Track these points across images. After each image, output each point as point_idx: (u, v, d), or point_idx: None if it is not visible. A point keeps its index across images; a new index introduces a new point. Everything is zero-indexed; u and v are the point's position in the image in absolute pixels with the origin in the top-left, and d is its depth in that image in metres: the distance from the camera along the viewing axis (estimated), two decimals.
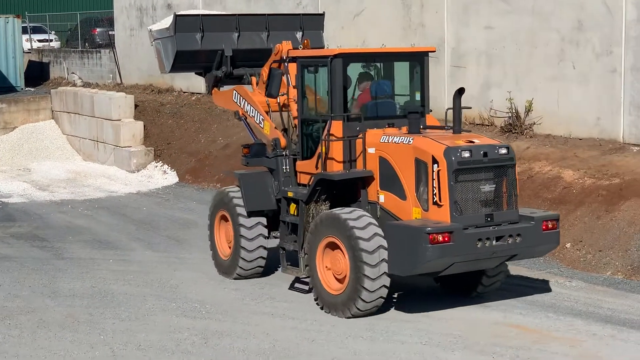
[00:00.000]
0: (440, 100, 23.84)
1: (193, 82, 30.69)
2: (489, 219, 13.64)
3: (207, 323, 14.34)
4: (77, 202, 24.41)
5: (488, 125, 22.96)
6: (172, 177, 27.21)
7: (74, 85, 36.13)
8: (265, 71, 17.24)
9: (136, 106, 29.28)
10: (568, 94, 21.72)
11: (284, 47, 16.82)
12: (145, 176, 27.55)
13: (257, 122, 17.10)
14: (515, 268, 17.06)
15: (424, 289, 15.45)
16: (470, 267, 14.06)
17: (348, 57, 14.95)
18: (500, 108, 22.79)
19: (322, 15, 19.92)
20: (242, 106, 17.52)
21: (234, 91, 17.88)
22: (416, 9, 25.31)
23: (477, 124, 23.19)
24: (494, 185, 13.80)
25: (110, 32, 40.13)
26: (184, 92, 33.13)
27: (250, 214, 15.96)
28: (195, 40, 18.15)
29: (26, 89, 36.52)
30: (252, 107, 17.21)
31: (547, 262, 17.45)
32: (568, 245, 17.73)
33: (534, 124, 22.20)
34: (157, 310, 15.09)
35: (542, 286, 15.98)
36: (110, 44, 39.42)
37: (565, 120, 21.75)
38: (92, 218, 22.54)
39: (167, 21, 18.94)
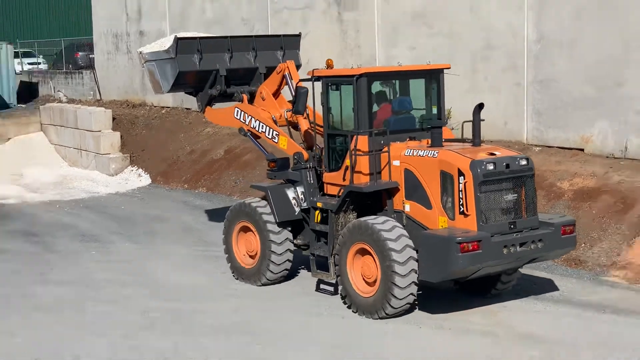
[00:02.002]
0: None
1: (162, 97, 30.56)
2: (512, 227, 12.87)
3: (177, 305, 14.38)
4: (64, 202, 24.28)
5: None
6: (145, 180, 27.10)
7: (60, 101, 35.89)
8: (266, 87, 16.72)
9: (114, 119, 29.13)
10: (479, 102, 21.92)
11: (290, 65, 16.43)
12: (123, 179, 27.43)
13: (270, 137, 16.13)
14: None
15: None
16: (494, 270, 13.24)
17: (372, 76, 14.20)
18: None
19: (299, 35, 19.18)
20: (247, 123, 16.61)
21: (236, 109, 17.00)
22: (352, 33, 25.45)
23: None
24: (516, 195, 12.99)
25: (90, 56, 39.91)
26: (155, 106, 33.03)
27: (280, 224, 14.89)
28: (194, 61, 17.43)
29: (18, 105, 36.22)
30: (261, 123, 16.33)
31: None
32: None
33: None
34: (134, 294, 15.09)
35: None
36: (90, 65, 39.20)
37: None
38: (77, 215, 22.44)
39: (161, 44, 18.19)
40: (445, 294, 14.17)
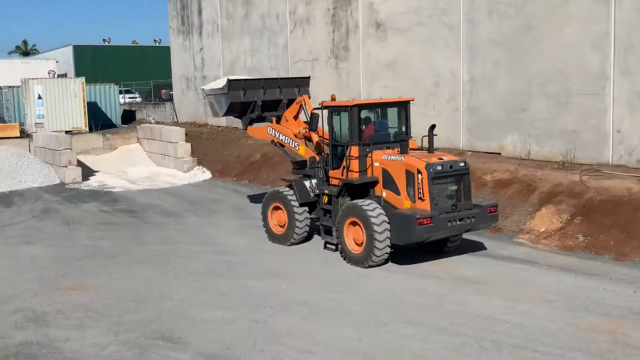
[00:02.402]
0: None
1: (218, 120, 30.54)
2: (454, 207, 12.96)
3: (229, 258, 14.36)
4: (153, 190, 24.27)
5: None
6: (207, 175, 27.07)
7: (150, 123, 35.88)
8: (289, 113, 16.76)
9: (186, 134, 29.08)
10: (431, 123, 21.87)
11: (305, 98, 16.68)
12: (192, 174, 27.41)
13: (293, 146, 16.19)
14: None
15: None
16: (443, 236, 13.36)
17: (361, 106, 14.20)
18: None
19: (309, 77, 19.12)
20: (277, 137, 16.60)
21: (269, 127, 16.91)
22: (345, 77, 25.40)
23: None
24: (457, 186, 13.09)
25: (170, 92, 39.94)
26: (213, 126, 32.97)
27: (301, 205, 14.98)
28: (240, 95, 17.49)
29: (122, 125, 36.28)
30: (286, 137, 16.34)
31: None
32: None
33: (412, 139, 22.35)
34: (200, 251, 15.06)
35: None
36: (170, 99, 39.20)
37: None
38: (162, 199, 22.43)
39: (217, 83, 18.23)
40: (410, 252, 14.10)
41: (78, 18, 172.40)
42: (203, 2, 33.98)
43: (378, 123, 14.62)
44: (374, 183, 13.80)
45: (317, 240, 15.32)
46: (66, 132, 30.61)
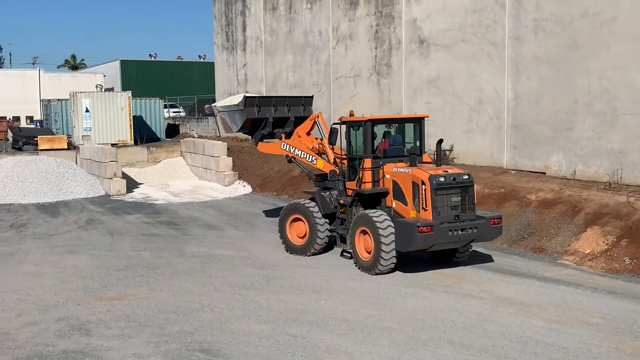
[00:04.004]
0: None
1: None
2: (456, 218, 13.32)
3: (268, 272, 14.41)
4: (195, 203, 24.56)
5: (447, 162, 22.97)
6: (248, 189, 27.31)
7: (193, 137, 36.39)
8: (302, 129, 17.05)
9: (228, 148, 29.41)
10: (474, 140, 21.78)
11: (320, 115, 17.13)
12: (233, 188, 27.67)
13: (310, 160, 16.53)
14: None
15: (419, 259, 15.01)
16: (445, 246, 13.71)
17: (374, 121, 14.79)
18: (434, 149, 22.79)
19: (312, 97, 19.56)
20: (291, 151, 16.91)
21: (283, 142, 17.25)
22: (386, 93, 25.41)
23: None
24: (460, 197, 13.45)
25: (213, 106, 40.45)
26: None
27: (323, 216, 15.42)
28: (254, 111, 17.77)
29: (166, 139, 36.86)
30: (303, 152, 16.69)
31: None
32: None
33: (454, 158, 22.25)
34: (240, 264, 15.15)
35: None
36: (213, 113, 39.63)
37: (472, 156, 21.80)
38: (203, 212, 22.68)
39: (232, 100, 18.59)
40: (451, 270, 14.00)
41: (125, 34, 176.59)
42: (247, 19, 34.46)
43: (392, 138, 15.11)
44: (385, 194, 14.31)
45: (335, 250, 15.51)
46: (112, 144, 31.26)
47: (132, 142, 32.91)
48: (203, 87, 60.29)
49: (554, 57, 19.12)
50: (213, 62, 39.22)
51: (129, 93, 33.98)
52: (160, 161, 31.75)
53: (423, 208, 13.28)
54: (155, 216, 21.86)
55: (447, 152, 21.94)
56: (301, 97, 19.11)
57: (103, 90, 40.21)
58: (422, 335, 10.34)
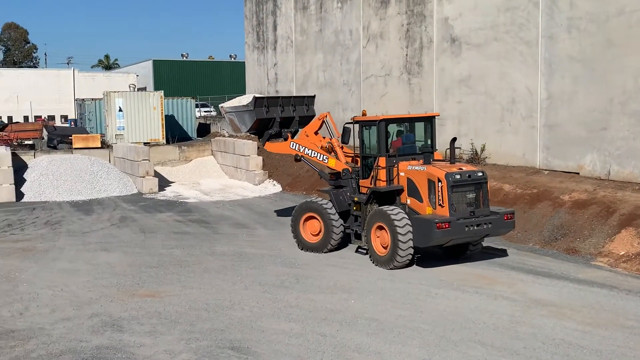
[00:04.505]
0: None
1: None
2: (472, 214, 13.76)
3: (298, 270, 14.46)
4: (225, 202, 24.75)
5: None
6: (278, 188, 27.41)
7: (224, 136, 36.61)
8: (310, 128, 17.28)
9: (258, 148, 29.57)
10: (506, 140, 21.55)
11: (328, 115, 17.36)
12: (263, 187, 27.80)
13: (321, 159, 16.70)
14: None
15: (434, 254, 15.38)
16: (461, 241, 14.17)
17: (387, 121, 15.14)
18: (466, 149, 22.66)
19: (314, 96, 19.81)
20: (301, 151, 17.05)
21: (292, 142, 17.38)
22: (417, 92, 25.27)
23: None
24: (475, 194, 13.93)
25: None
26: None
27: (338, 213, 15.75)
28: (263, 112, 17.95)
29: (197, 138, 37.12)
30: (313, 151, 16.85)
31: (494, 238, 17.21)
32: None
33: (486, 158, 22.05)
34: (269, 263, 15.23)
35: (492, 252, 15.82)
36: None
37: (504, 156, 21.57)
38: (234, 211, 22.84)
39: (238, 101, 18.81)
40: (482, 269, 13.85)
41: (158, 34, 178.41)
42: (278, 18, 34.57)
43: (405, 136, 15.39)
44: (400, 191, 14.67)
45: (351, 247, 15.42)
46: (144, 143, 31.62)
47: (164, 141, 33.25)
48: (234, 86, 60.69)
49: (589, 56, 18.82)
50: (244, 62, 39.40)
51: (161, 92, 34.33)
52: (191, 160, 32.03)
53: (439, 205, 13.69)
54: (187, 214, 22.06)
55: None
56: (305, 97, 19.49)
57: (136, 89, 40.68)
58: (452, 336, 10.28)
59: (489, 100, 22.04)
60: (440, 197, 13.65)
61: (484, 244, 15.43)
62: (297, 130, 18.36)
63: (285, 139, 17.85)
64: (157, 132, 33.48)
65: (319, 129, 17.37)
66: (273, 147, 18.48)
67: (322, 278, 13.74)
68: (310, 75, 32.09)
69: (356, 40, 28.61)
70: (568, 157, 19.59)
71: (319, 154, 16.76)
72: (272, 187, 27.57)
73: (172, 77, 65.31)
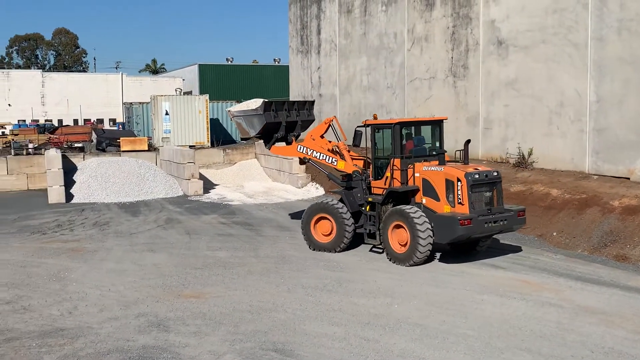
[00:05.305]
0: (475, 147, 23.47)
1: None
2: (489, 211, 14.45)
3: (340, 274, 14.43)
4: (269, 205, 24.86)
5: (505, 163, 22.48)
6: (320, 191, 27.40)
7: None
8: (316, 132, 17.78)
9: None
10: (554, 144, 21.15)
11: (334, 119, 17.78)
12: (306, 190, 27.85)
13: (329, 162, 17.20)
14: (525, 247, 16.66)
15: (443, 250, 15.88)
16: (479, 236, 14.78)
17: (403, 124, 15.69)
18: (512, 153, 22.33)
19: (314, 102, 20.46)
20: (309, 154, 17.56)
21: (299, 145, 17.86)
22: (462, 95, 25.02)
23: (498, 162, 22.73)
24: (491, 193, 14.61)
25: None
26: None
27: (351, 213, 16.25)
28: (272, 116, 18.26)
29: (241, 141, 37.43)
30: (322, 154, 17.34)
31: (542, 244, 16.95)
32: (554, 233, 17.20)
33: (534, 162, 21.67)
34: (312, 266, 15.23)
35: (539, 258, 15.55)
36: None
37: (552, 160, 21.18)
38: (277, 213, 22.92)
39: (247, 105, 19.05)
40: (524, 274, 13.60)
41: (204, 39, 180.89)
42: (322, 22, 34.66)
43: (416, 139, 15.94)
44: (415, 191, 15.24)
45: (365, 246, 15.36)
46: (190, 146, 32.07)
47: (209, 144, 33.66)
48: (277, 90, 61.08)
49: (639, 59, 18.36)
50: (287, 66, 39.61)
51: (207, 96, 34.80)
52: (235, 163, 32.33)
53: (459, 203, 14.33)
54: (231, 217, 22.25)
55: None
56: (306, 101, 19.98)
57: (182, 93, 41.30)
58: (498, 343, 10.12)
59: (536, 103, 21.68)
60: (461, 196, 14.28)
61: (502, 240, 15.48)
62: (299, 134, 19.07)
63: (290, 143, 18.53)
64: (202, 135, 33.93)
65: (325, 132, 17.85)
66: (279, 150, 19.09)
67: (364, 282, 13.69)
68: (353, 78, 32.07)
69: (401, 43, 28.48)
70: (618, 161, 19.12)
71: (327, 157, 17.29)
72: (315, 190, 27.61)
73: (217, 81, 66.07)
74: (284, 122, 18.49)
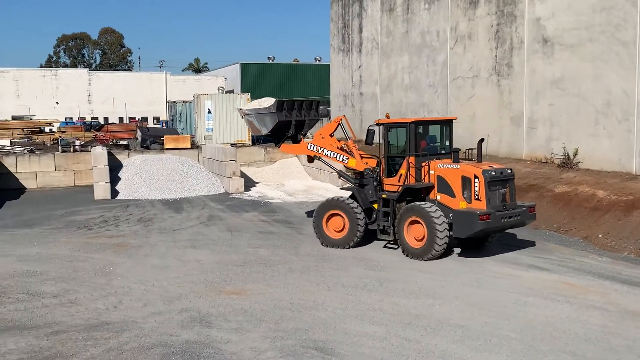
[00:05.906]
0: (519, 147, 23.13)
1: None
2: (504, 206, 14.89)
3: (381, 274, 14.36)
4: (309, 203, 24.84)
5: (549, 163, 22.11)
6: None
7: (307, 138, 36.88)
8: (326, 131, 17.98)
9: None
10: (600, 144, 20.72)
11: (344, 118, 18.19)
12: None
13: (340, 160, 17.50)
14: (568, 249, 16.35)
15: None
16: (495, 231, 15.24)
17: (417, 123, 16.05)
18: (557, 153, 21.94)
19: (319, 102, 20.33)
20: (320, 152, 17.84)
21: (309, 144, 18.09)
22: (506, 94, 24.68)
23: (542, 162, 22.36)
24: (505, 189, 15.03)
25: (327, 108, 40.88)
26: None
27: (363, 210, 16.51)
28: (283, 114, 18.50)
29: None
30: (332, 152, 17.62)
31: (587, 246, 16.62)
32: (600, 235, 16.85)
33: (579, 162, 21.27)
34: (352, 265, 15.18)
35: (584, 261, 15.26)
36: (327, 115, 40.10)
37: (598, 160, 20.75)
38: None
39: (258, 103, 19.34)
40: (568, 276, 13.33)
41: (246, 37, 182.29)
42: (364, 20, 34.58)
43: (429, 137, 16.32)
44: (429, 188, 15.62)
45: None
46: (231, 144, 32.35)
47: (250, 143, 33.88)
48: (318, 88, 61.18)
49: None
50: (328, 64, 39.66)
51: (248, 95, 35.04)
52: (276, 161, 32.48)
53: (476, 199, 14.73)
54: (271, 214, 22.35)
55: (552, 154, 21.03)
56: (312, 101, 20.17)
57: (224, 92, 41.68)
58: (541, 345, 9.95)
59: (582, 102, 21.26)
60: (478, 192, 14.68)
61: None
62: (306, 133, 19.38)
63: (298, 141, 18.93)
64: (244, 134, 34.18)
65: (334, 131, 18.05)
66: (289, 148, 19.38)
67: (405, 282, 13.60)
68: (395, 77, 31.93)
69: (443, 41, 28.23)
70: None
71: (338, 155, 17.59)
72: None
73: (258, 80, 66.51)
74: (294, 121, 18.81)
